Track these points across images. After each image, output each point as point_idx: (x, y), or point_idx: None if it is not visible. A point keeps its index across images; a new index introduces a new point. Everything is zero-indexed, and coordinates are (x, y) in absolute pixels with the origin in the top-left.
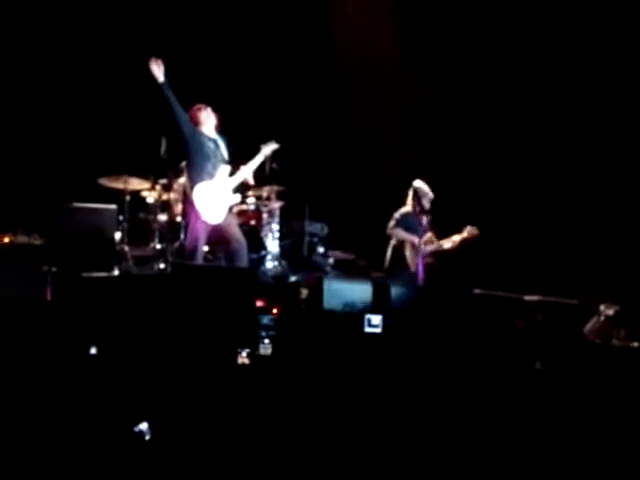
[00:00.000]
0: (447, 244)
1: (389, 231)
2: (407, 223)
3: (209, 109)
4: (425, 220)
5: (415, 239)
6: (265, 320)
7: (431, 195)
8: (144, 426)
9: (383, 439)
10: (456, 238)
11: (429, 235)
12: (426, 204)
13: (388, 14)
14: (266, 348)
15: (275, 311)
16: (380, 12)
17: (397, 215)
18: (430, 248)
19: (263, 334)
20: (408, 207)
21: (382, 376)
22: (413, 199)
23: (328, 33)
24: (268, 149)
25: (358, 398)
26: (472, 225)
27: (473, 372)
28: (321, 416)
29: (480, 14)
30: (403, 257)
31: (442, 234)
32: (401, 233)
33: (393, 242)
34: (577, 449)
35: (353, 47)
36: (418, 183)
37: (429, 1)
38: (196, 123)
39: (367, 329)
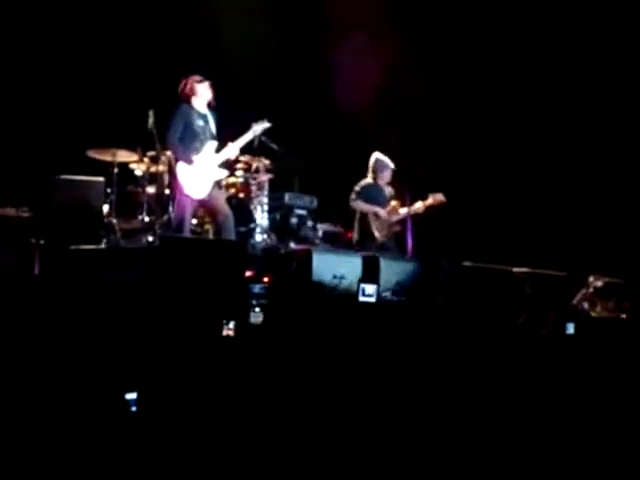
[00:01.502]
0: (413, 211)
1: (351, 203)
2: (368, 194)
3: (207, 83)
4: (387, 191)
5: (378, 209)
6: (256, 289)
7: (392, 166)
8: (132, 396)
9: (376, 412)
10: (420, 205)
11: (393, 204)
12: (387, 175)
13: None
14: (257, 317)
15: (266, 279)
16: None
17: (357, 187)
18: (395, 217)
19: (254, 302)
20: (368, 179)
21: (373, 346)
22: (374, 171)
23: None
24: (259, 127)
25: (349, 367)
26: (436, 192)
27: (462, 344)
28: (312, 386)
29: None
30: (369, 228)
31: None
32: (361, 205)
33: (358, 214)
34: (566, 420)
35: (342, 19)
36: (377, 154)
37: None
38: (191, 94)
39: (361, 298)
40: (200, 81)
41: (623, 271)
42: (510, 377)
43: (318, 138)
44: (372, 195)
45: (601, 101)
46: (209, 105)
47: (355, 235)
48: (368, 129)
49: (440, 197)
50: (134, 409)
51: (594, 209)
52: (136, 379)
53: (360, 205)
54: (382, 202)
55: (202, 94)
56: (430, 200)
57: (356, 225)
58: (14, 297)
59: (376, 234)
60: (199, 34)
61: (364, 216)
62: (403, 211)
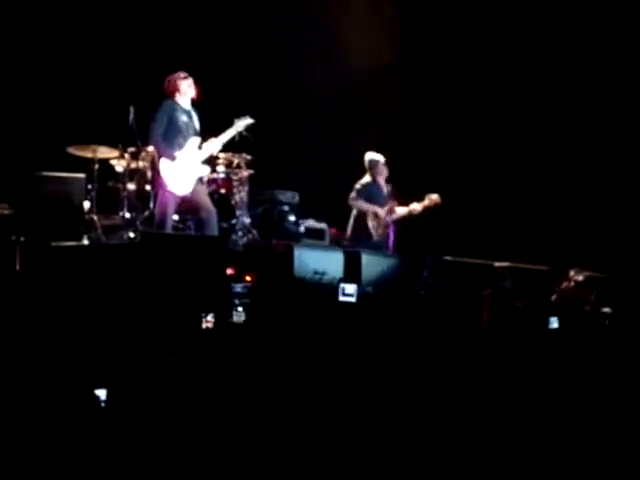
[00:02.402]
0: (409, 212)
1: (351, 202)
2: (368, 193)
3: (191, 80)
4: (386, 189)
5: (377, 209)
6: (238, 288)
7: (382, 160)
8: (102, 392)
9: (358, 409)
10: (417, 206)
11: (391, 204)
12: (383, 170)
13: None
14: (239, 316)
15: (249, 279)
16: None
17: (358, 186)
18: (394, 217)
19: (236, 302)
20: (368, 177)
21: (355, 342)
22: (371, 170)
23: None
24: (242, 123)
25: (330, 364)
26: (434, 192)
27: (444, 339)
28: (292, 382)
29: None
30: (366, 227)
31: (406, 202)
32: (363, 204)
33: (355, 212)
34: (549, 413)
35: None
36: (371, 155)
37: None
38: (175, 90)
39: (341, 298)
40: (184, 78)
41: (604, 264)
42: (494, 372)
43: (300, 133)
44: (372, 194)
45: (580, 97)
46: (193, 101)
47: (351, 231)
48: (350, 123)
49: (436, 198)
50: (103, 405)
51: (575, 203)
52: (111, 375)
53: (361, 204)
54: (381, 201)
55: (186, 91)
56: (426, 201)
57: (352, 222)
58: None
59: (372, 232)
60: (178, 29)
61: (362, 215)
62: (401, 211)
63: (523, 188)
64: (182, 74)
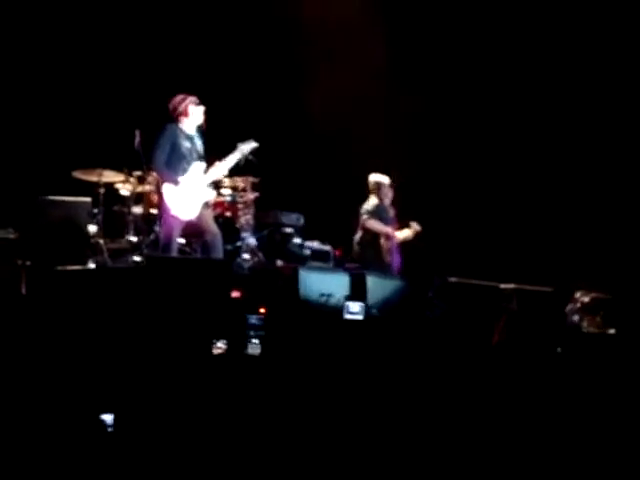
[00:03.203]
0: (404, 237)
1: (366, 223)
2: (379, 215)
3: (202, 108)
4: (392, 211)
5: (390, 231)
6: (253, 319)
7: (388, 181)
8: (108, 417)
9: (370, 429)
10: (409, 233)
11: (394, 227)
12: (389, 192)
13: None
14: (255, 348)
15: (263, 311)
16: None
17: (369, 207)
18: (397, 239)
19: (251, 333)
20: (375, 199)
21: (362, 364)
22: (378, 192)
23: (298, 24)
24: (246, 147)
25: (336, 384)
26: (413, 220)
27: (450, 360)
28: (297, 403)
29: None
30: (378, 248)
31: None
32: (377, 225)
33: (360, 234)
34: (555, 434)
35: (325, 34)
36: (377, 176)
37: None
38: (183, 114)
39: (346, 316)
40: (197, 104)
41: (610, 286)
42: (499, 393)
43: (303, 157)
44: (382, 216)
45: (585, 116)
46: (199, 128)
47: (360, 252)
48: (353, 146)
49: (416, 226)
50: (110, 430)
51: (580, 224)
52: (118, 399)
53: (375, 225)
54: (389, 223)
55: (194, 117)
56: (412, 229)
57: (363, 242)
58: (0, 318)
59: (384, 254)
60: (183, 53)
61: (375, 236)
62: (400, 235)
63: (529, 209)
64: (195, 99)
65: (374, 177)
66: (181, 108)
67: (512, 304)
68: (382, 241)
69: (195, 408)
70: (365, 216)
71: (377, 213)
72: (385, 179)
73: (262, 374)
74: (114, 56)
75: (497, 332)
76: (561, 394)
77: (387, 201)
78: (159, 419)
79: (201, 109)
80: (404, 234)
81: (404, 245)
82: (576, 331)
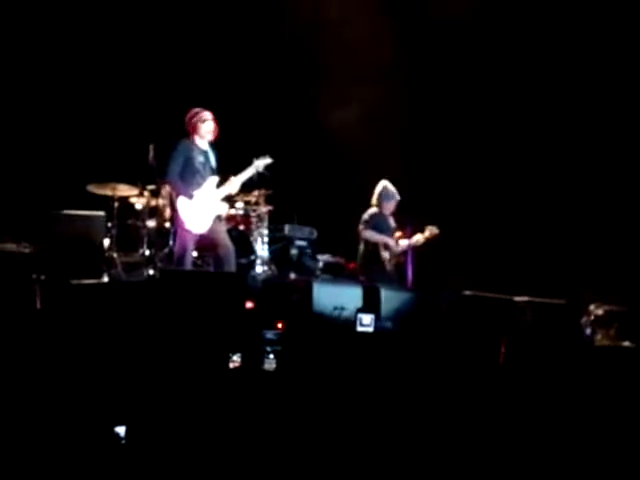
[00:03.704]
0: (414, 243)
1: (362, 233)
2: (376, 224)
3: (211, 122)
4: (391, 220)
5: (387, 239)
6: (269, 335)
7: (398, 197)
8: (121, 429)
9: (379, 443)
10: (419, 237)
11: (397, 235)
12: (391, 206)
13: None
14: (270, 363)
15: (280, 326)
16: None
17: (366, 216)
18: (399, 248)
19: (267, 349)
20: (374, 208)
21: (375, 378)
22: (380, 199)
23: (314, 41)
24: (261, 163)
25: (348, 397)
26: (432, 224)
27: (462, 372)
28: (312, 419)
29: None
30: (377, 258)
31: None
32: (373, 235)
33: (363, 244)
34: (567, 448)
35: (339, 52)
36: (385, 184)
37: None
38: (195, 129)
39: (359, 328)
40: (204, 121)
41: (625, 298)
42: (512, 406)
43: (316, 170)
44: (380, 225)
45: (595, 128)
46: (211, 141)
47: (361, 262)
48: (366, 159)
49: (435, 230)
50: (123, 442)
51: (595, 237)
52: (134, 412)
53: (371, 235)
54: (388, 232)
55: (205, 133)
56: (427, 233)
57: (363, 254)
58: (16, 332)
59: (385, 264)
60: (198, 69)
61: (373, 246)
62: (404, 243)
63: (543, 222)
64: (204, 116)
65: (380, 184)
66: (191, 124)
67: (526, 317)
68: (382, 251)
69: (210, 422)
70: (361, 226)
71: (373, 222)
72: (392, 189)
73: (277, 389)
74: (129, 71)
75: (504, 347)
76: (574, 407)
77: (387, 212)
78: (173, 432)
79: (211, 125)
80: (414, 240)
81: (419, 257)
82: (589, 344)
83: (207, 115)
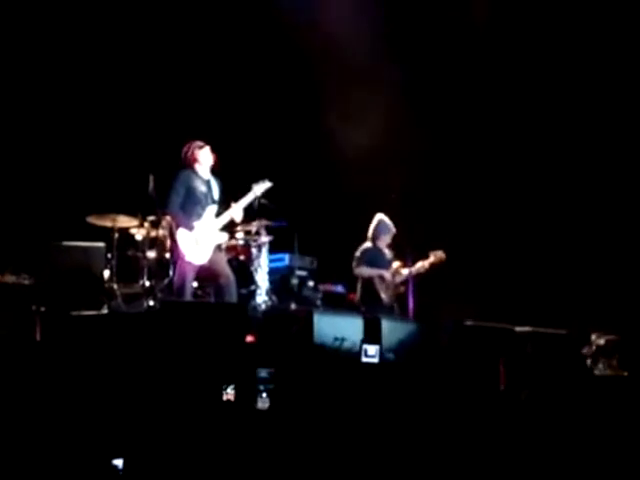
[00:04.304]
0: (417, 271)
1: (355, 271)
2: (369, 258)
3: (208, 149)
4: (388, 252)
5: (382, 272)
6: (263, 373)
7: (393, 230)
8: (119, 462)
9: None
10: (425, 264)
11: (396, 266)
12: (387, 239)
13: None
14: (264, 402)
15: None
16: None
17: (358, 253)
18: (399, 279)
19: (261, 387)
20: (367, 243)
21: (379, 410)
22: (376, 231)
23: (311, 67)
24: (260, 188)
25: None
26: (437, 249)
27: (464, 403)
28: (313, 450)
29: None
30: (374, 292)
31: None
32: (366, 270)
33: (362, 279)
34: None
35: (338, 77)
36: (381, 217)
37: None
38: (193, 161)
39: (364, 359)
40: (201, 147)
41: (623, 328)
42: (513, 438)
43: (316, 199)
44: (374, 259)
45: (599, 152)
46: (212, 169)
47: (360, 297)
48: (367, 188)
49: (440, 254)
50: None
51: (596, 267)
52: (132, 444)
53: (364, 270)
54: (383, 265)
55: (204, 160)
56: (432, 258)
57: (360, 288)
58: (15, 364)
59: (382, 296)
60: (197, 99)
61: (369, 280)
62: (406, 272)
63: (545, 252)
64: (199, 143)
65: (378, 216)
66: (189, 154)
67: (527, 347)
68: (377, 285)
69: (204, 454)
70: (354, 263)
71: (366, 257)
72: (387, 222)
73: (271, 426)
74: (129, 102)
75: (502, 376)
76: (576, 437)
77: (381, 243)
78: (169, 464)
79: (207, 150)
80: (417, 267)
81: (420, 287)
82: (590, 374)
83: (201, 142)
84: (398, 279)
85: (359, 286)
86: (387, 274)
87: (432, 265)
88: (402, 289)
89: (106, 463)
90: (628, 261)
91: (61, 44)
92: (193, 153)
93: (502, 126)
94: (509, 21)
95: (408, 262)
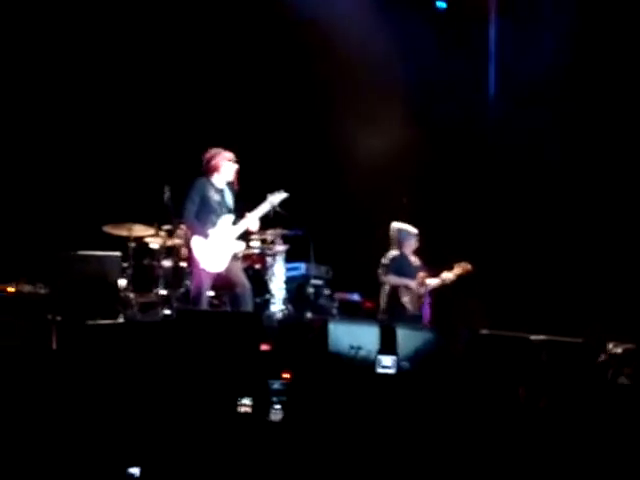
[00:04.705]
0: (442, 282)
1: (381, 278)
2: (397, 266)
3: (235, 166)
4: (416, 260)
5: (409, 282)
6: (276, 385)
7: (415, 231)
8: (135, 470)
9: None
10: (449, 275)
11: (422, 275)
12: (413, 243)
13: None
14: (276, 414)
15: (287, 376)
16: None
17: (386, 260)
18: (424, 289)
19: (274, 399)
20: (394, 250)
21: (395, 420)
22: (399, 241)
23: (324, 78)
24: (275, 198)
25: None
26: (463, 261)
27: (481, 413)
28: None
29: None
30: (399, 301)
31: (436, 272)
32: (393, 279)
33: (386, 287)
34: None
35: (352, 87)
36: (397, 225)
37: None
38: (214, 169)
39: (379, 370)
40: (229, 160)
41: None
42: (530, 448)
43: (332, 208)
44: (402, 267)
45: (609, 167)
46: (230, 183)
47: (383, 307)
48: (382, 197)
49: (466, 265)
50: None
51: (612, 275)
52: (148, 452)
53: (392, 279)
54: (411, 273)
55: (225, 173)
56: (457, 269)
57: (385, 297)
58: (31, 373)
59: (407, 306)
60: (213, 110)
61: (395, 289)
62: (431, 282)
63: (560, 261)
64: (228, 155)
65: (394, 225)
66: (214, 162)
67: (542, 356)
68: (403, 294)
69: (219, 463)
70: (380, 271)
71: (394, 265)
72: (406, 227)
73: (284, 437)
74: (144, 112)
75: (522, 389)
76: (593, 446)
77: (408, 251)
78: (185, 472)
79: (234, 167)
80: (442, 278)
81: (438, 296)
82: (609, 383)
83: (231, 155)
84: (422, 290)
85: (383, 295)
86: (413, 284)
87: (457, 277)
88: (427, 300)
89: (121, 471)
90: None
91: (79, 54)
92: (218, 162)
93: (514, 132)
94: None
95: (432, 272)
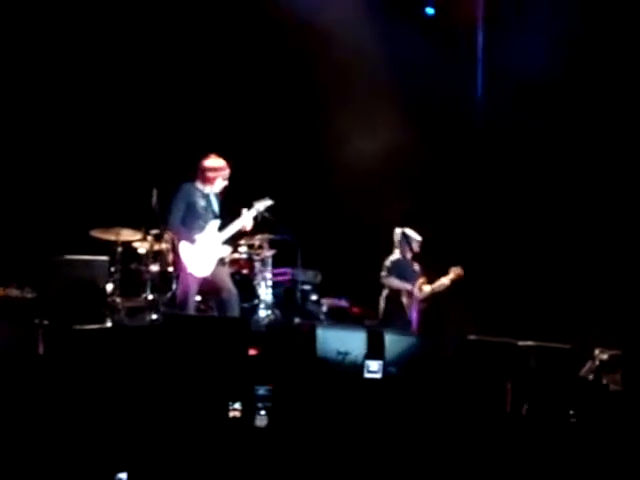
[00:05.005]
0: (438, 287)
1: (383, 281)
2: (399, 270)
3: (226, 180)
4: (416, 265)
5: (410, 287)
6: (261, 391)
7: (418, 238)
8: (123, 476)
9: None
10: (445, 280)
11: (420, 281)
12: (415, 247)
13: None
14: (262, 420)
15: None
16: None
17: (388, 263)
18: (423, 294)
19: (259, 405)
20: (397, 254)
21: (382, 424)
22: (402, 245)
23: (315, 82)
24: (261, 205)
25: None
26: (456, 265)
27: (468, 418)
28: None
29: None
30: (400, 305)
31: (430, 277)
32: (395, 282)
33: (386, 291)
34: None
35: (343, 89)
36: (403, 229)
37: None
38: (206, 180)
39: (366, 375)
40: (225, 179)
41: (622, 341)
42: (517, 452)
43: (320, 213)
44: (403, 271)
45: (602, 171)
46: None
47: (382, 310)
48: (370, 202)
49: (458, 270)
50: None
51: (600, 281)
52: (135, 458)
53: (393, 282)
54: (411, 277)
55: (215, 188)
56: (452, 274)
57: (385, 302)
58: (18, 378)
59: (406, 310)
60: (200, 114)
61: (395, 293)
62: (428, 289)
63: (548, 267)
64: (225, 173)
65: (398, 230)
66: (211, 175)
67: (531, 361)
68: (403, 298)
69: (209, 469)
70: (383, 273)
71: (396, 269)
72: (409, 232)
73: (270, 442)
74: (132, 116)
75: (509, 394)
76: (580, 451)
77: (409, 255)
78: (173, 478)
79: (226, 182)
80: (439, 284)
81: (433, 301)
82: (597, 388)
83: (227, 173)
84: (420, 295)
85: (383, 299)
86: (415, 289)
87: (452, 282)
88: (425, 305)
89: (110, 477)
90: (632, 276)
91: (65, 56)
92: (215, 178)
93: (507, 139)
94: None
95: (429, 277)
